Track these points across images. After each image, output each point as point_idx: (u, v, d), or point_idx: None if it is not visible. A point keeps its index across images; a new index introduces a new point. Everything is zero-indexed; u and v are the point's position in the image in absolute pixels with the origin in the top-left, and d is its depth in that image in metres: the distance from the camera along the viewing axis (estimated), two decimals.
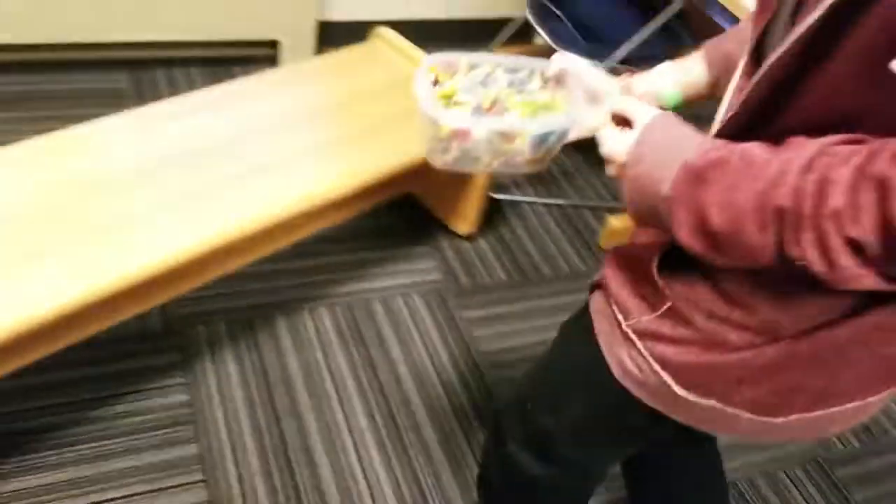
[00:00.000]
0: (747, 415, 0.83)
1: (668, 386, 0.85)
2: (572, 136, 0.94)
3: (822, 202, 0.61)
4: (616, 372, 0.90)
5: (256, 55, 2.46)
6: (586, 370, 0.96)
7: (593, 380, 0.95)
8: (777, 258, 0.66)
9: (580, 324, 0.99)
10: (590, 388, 0.98)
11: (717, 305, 0.79)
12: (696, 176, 0.70)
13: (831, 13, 0.61)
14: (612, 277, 0.90)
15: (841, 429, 0.90)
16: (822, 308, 0.74)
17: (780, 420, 0.83)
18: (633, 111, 0.80)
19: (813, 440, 0.95)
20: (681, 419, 0.89)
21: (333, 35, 2.46)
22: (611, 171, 0.83)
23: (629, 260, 0.89)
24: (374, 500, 1.53)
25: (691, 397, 0.84)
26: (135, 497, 1.45)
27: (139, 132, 1.56)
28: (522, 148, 0.94)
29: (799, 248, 0.63)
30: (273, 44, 2.43)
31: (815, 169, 0.62)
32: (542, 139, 0.93)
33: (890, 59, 0.59)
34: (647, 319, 0.85)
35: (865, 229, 0.59)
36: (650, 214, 0.76)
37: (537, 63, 0.97)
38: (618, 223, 2.19)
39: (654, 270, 0.83)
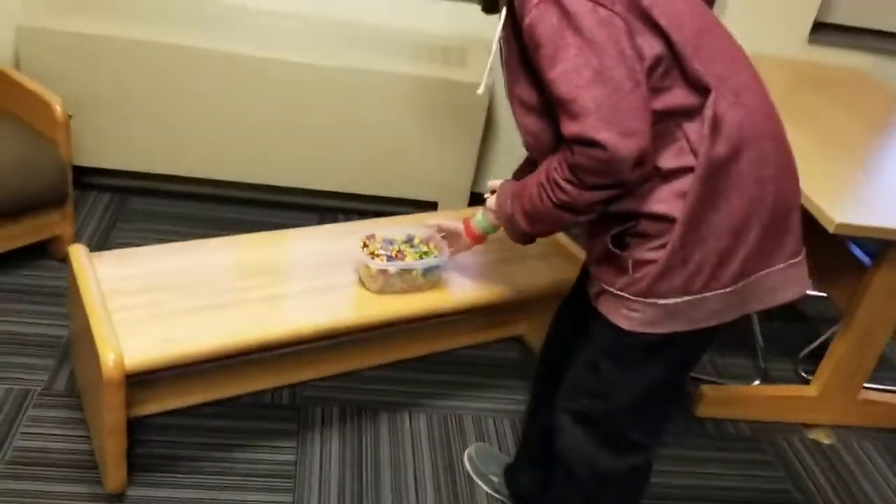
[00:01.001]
0: (713, 292, 1.27)
1: (657, 304, 1.28)
2: (452, 255, 1.84)
3: (552, 168, 1.26)
4: (625, 324, 1.32)
5: (419, 212, 2.96)
6: (609, 344, 1.38)
7: (615, 348, 1.37)
8: (557, 211, 1.27)
9: (593, 339, 1.43)
10: (616, 356, 1.38)
11: (651, 243, 1.28)
12: (517, 195, 1.39)
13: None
14: (602, 274, 1.36)
15: (791, 295, 1.34)
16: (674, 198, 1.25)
17: (733, 288, 1.28)
18: (496, 186, 1.52)
19: (773, 304, 1.35)
20: (686, 326, 1.29)
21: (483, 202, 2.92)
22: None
23: (601, 260, 1.36)
24: None
25: (671, 301, 1.28)
26: None
27: (306, 242, 2.04)
28: (418, 276, 1.84)
29: (555, 196, 1.26)
30: (434, 204, 2.93)
31: (555, 158, 1.26)
32: (427, 270, 1.84)
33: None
34: (626, 278, 1.31)
35: (566, 174, 1.23)
36: (514, 230, 1.43)
37: (415, 229, 1.90)
38: (712, 392, 2.33)
39: (611, 247, 1.32)
